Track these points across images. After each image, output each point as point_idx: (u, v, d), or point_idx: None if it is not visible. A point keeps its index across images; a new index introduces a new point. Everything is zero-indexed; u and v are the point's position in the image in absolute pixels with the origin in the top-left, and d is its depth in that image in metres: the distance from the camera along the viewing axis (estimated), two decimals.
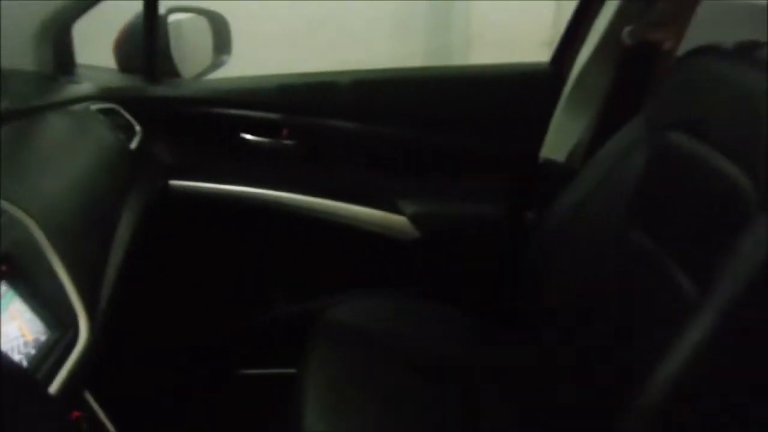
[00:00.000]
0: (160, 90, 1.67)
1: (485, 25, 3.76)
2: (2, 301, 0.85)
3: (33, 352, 0.86)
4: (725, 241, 1.01)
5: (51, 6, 1.47)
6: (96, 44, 1.75)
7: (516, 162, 1.73)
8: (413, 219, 1.70)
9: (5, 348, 0.81)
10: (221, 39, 1.78)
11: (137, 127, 1.59)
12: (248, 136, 1.70)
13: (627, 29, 1.53)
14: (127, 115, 1.59)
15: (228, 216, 1.71)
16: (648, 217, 1.31)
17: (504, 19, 3.45)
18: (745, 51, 1.20)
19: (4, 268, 0.87)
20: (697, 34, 1.49)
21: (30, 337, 0.86)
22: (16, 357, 0.83)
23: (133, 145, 1.52)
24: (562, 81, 1.67)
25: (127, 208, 1.34)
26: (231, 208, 1.70)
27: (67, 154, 1.29)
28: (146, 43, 1.63)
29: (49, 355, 0.87)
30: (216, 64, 1.79)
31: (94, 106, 1.50)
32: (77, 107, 1.47)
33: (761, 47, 1.19)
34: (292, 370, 1.36)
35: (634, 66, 1.57)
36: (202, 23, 1.76)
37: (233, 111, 1.69)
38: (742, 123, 1.11)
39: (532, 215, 1.70)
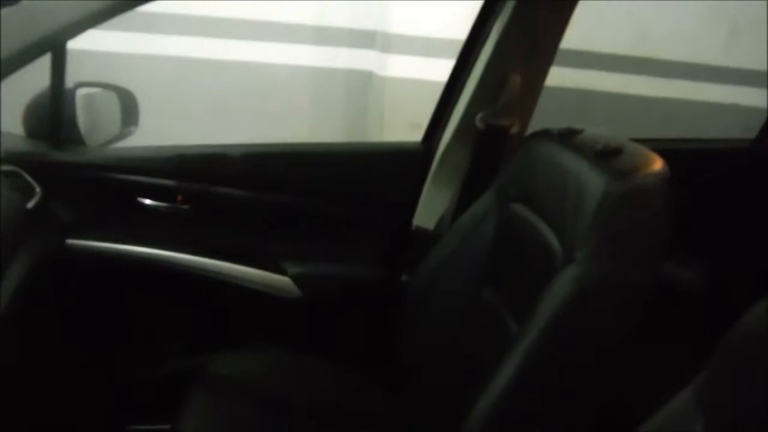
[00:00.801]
0: (63, 155, 1.76)
1: (395, 111, 4.05)
2: None
3: None
4: (540, 288, 1.22)
5: None
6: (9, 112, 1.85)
7: (391, 229, 1.91)
8: (296, 279, 1.84)
9: None
10: (128, 112, 1.91)
11: (37, 189, 1.68)
12: (145, 201, 1.81)
13: (480, 115, 1.78)
14: (28, 178, 1.68)
15: (122, 274, 1.79)
16: (495, 275, 1.52)
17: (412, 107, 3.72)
18: (567, 136, 1.45)
19: None
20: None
21: None
22: None
23: (30, 204, 1.61)
24: (431, 158, 1.89)
25: (17, 264, 1.42)
26: (126, 267, 1.79)
27: None
28: (52, 112, 1.74)
29: None
30: (122, 135, 1.91)
31: None
32: None
33: (580, 132, 1.44)
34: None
35: (488, 146, 1.80)
36: (111, 97, 1.89)
37: (131, 177, 1.80)
38: (557, 197, 1.34)
39: (405, 277, 1.87)
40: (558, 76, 4.15)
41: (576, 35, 4.50)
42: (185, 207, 1.81)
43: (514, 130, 1.79)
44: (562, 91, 4.18)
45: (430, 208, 1.89)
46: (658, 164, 1.23)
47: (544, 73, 1.79)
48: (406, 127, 3.71)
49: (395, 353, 1.70)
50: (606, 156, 1.26)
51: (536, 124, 1.63)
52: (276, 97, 4.10)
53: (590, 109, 3.95)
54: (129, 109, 1.92)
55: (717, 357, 0.74)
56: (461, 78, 1.84)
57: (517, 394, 1.20)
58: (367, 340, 1.86)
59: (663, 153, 1.27)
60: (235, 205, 1.85)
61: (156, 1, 1.38)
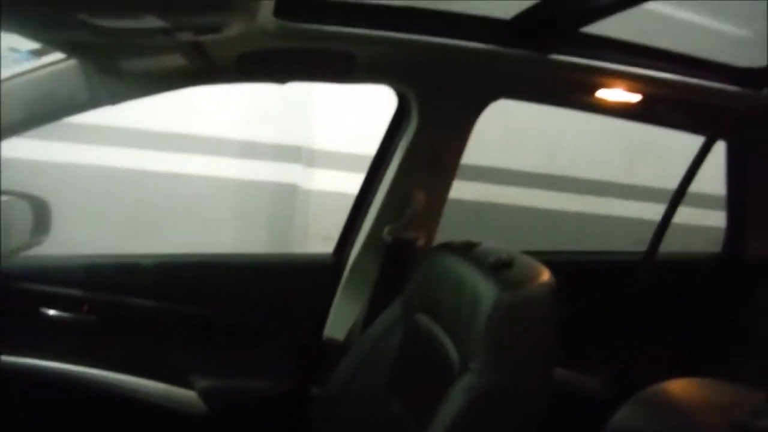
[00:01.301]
0: None
1: (318, 223, 4.12)
2: None
3: None
4: (441, 395, 1.25)
5: None
6: None
7: (302, 341, 1.91)
8: (203, 394, 1.79)
9: None
10: (40, 220, 1.88)
11: None
12: (48, 311, 1.75)
13: (387, 228, 1.85)
14: None
15: (25, 388, 1.70)
16: (402, 386, 1.53)
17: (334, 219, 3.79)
18: (466, 249, 1.52)
19: None
20: None
21: None
22: None
23: None
24: (341, 269, 1.93)
25: None
26: (23, 380, 1.71)
27: None
28: None
29: None
30: (32, 244, 1.88)
31: None
32: None
33: (477, 246, 1.52)
34: None
35: (395, 258, 1.86)
36: (23, 205, 1.86)
37: (35, 286, 1.75)
38: (455, 307, 1.39)
39: (315, 390, 1.85)
40: (475, 192, 4.36)
41: (493, 154, 4.77)
42: (91, 318, 1.76)
43: (420, 242, 1.86)
44: (479, 205, 4.39)
45: (340, 319, 1.91)
46: (545, 275, 1.30)
47: (446, 188, 1.88)
48: (320, 239, 3.78)
49: None
50: (498, 268, 1.33)
51: (454, 235, 1.70)
52: (201, 209, 4.12)
53: (506, 222, 4.13)
54: (41, 217, 1.89)
55: None
56: (370, 193, 1.92)
57: None
58: None
59: (564, 264, 1.35)
60: (144, 316, 1.81)
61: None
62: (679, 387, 0.72)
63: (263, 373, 1.87)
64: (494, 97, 1.79)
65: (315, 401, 1.78)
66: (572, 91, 1.81)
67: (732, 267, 2.28)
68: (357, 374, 1.63)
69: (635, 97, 1.80)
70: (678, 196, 2.23)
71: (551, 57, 1.64)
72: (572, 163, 4.67)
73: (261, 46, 1.47)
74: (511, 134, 4.45)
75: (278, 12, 1.28)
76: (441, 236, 1.89)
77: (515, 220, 4.16)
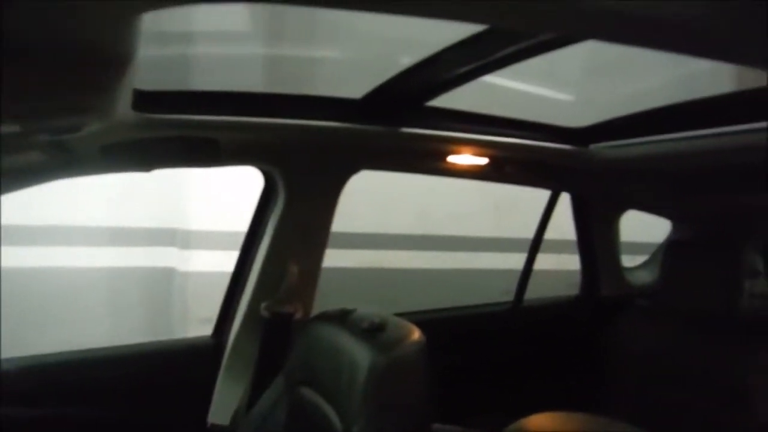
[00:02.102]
0: None
1: (198, 305, 4.02)
2: None
3: None
4: None
5: None
6: None
7: (186, 429, 1.85)
8: None
9: None
10: None
11: None
12: None
13: (263, 304, 1.86)
14: None
15: None
16: None
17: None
18: (341, 316, 1.56)
19: None
20: None
21: None
22: None
23: None
24: (222, 351, 1.91)
25: None
26: None
27: None
28: None
29: None
30: None
31: None
32: None
33: (352, 312, 1.56)
34: None
35: (275, 334, 1.87)
36: None
37: None
38: (335, 376, 1.42)
39: None
40: (353, 258, 4.44)
41: (368, 220, 4.88)
42: None
43: (298, 315, 1.88)
44: (359, 272, 4.47)
45: (224, 402, 1.87)
46: (416, 335, 1.38)
47: (319, 259, 1.93)
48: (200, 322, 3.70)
49: None
50: (372, 333, 1.39)
51: (336, 304, 1.74)
52: (73, 302, 3.91)
53: (386, 285, 4.22)
54: None
55: None
56: (245, 270, 1.93)
57: None
58: None
59: (437, 322, 1.43)
60: (13, 422, 1.69)
61: None
62: (538, 421, 0.80)
63: None
64: (354, 170, 1.88)
65: None
66: (426, 159, 1.94)
67: (589, 307, 2.48)
68: None
69: (483, 161, 1.96)
70: (535, 246, 2.42)
71: (402, 130, 1.76)
72: (443, 222, 4.89)
73: (122, 138, 1.48)
74: (383, 199, 4.62)
75: (136, 105, 1.31)
76: (324, 306, 1.93)
77: (394, 283, 4.26)
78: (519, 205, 4.30)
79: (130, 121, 1.34)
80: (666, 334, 2.10)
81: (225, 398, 1.89)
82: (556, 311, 2.52)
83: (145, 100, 1.37)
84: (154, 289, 4.29)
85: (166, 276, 4.33)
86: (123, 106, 1.19)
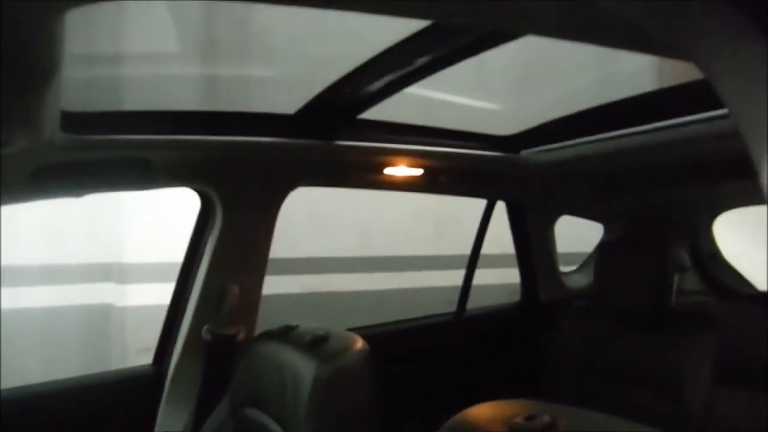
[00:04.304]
0: None
1: (140, 340, 3.91)
2: None
3: None
4: None
5: None
6: None
7: None
8: None
9: None
10: None
11: None
12: None
13: (205, 327, 1.83)
14: None
15: None
16: None
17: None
18: (284, 333, 1.55)
19: None
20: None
21: None
22: None
23: None
24: (163, 378, 1.86)
25: None
26: None
27: None
28: None
29: None
30: None
31: None
32: None
33: (295, 328, 1.56)
34: None
35: (218, 356, 1.84)
36: None
37: None
38: (279, 392, 1.41)
39: None
40: (296, 284, 4.40)
41: (309, 245, 4.86)
42: None
43: (241, 336, 1.86)
44: (302, 297, 4.44)
45: (168, 429, 1.82)
46: (359, 344, 1.38)
47: (260, 278, 1.92)
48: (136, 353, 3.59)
49: None
50: (315, 345, 1.39)
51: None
52: (5, 345, 3.74)
53: (330, 310, 4.21)
54: None
55: None
56: (184, 295, 1.90)
57: None
58: None
59: (381, 336, 1.43)
60: None
61: None
62: (479, 410, 0.82)
63: None
64: (292, 186, 1.88)
65: None
66: (362, 173, 1.96)
67: (529, 312, 2.54)
68: None
69: (418, 172, 1.99)
70: (474, 256, 2.46)
71: (336, 143, 1.78)
72: (385, 242, 4.91)
73: (52, 160, 1.45)
74: (323, 223, 4.62)
75: (65, 126, 1.28)
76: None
77: (339, 307, 4.25)
78: (458, 222, 4.39)
79: (58, 141, 1.31)
80: (601, 332, 2.16)
81: (168, 425, 1.83)
82: (497, 318, 2.57)
83: (74, 120, 1.35)
84: (91, 327, 4.15)
85: (104, 312, 4.20)
86: (51, 125, 1.17)
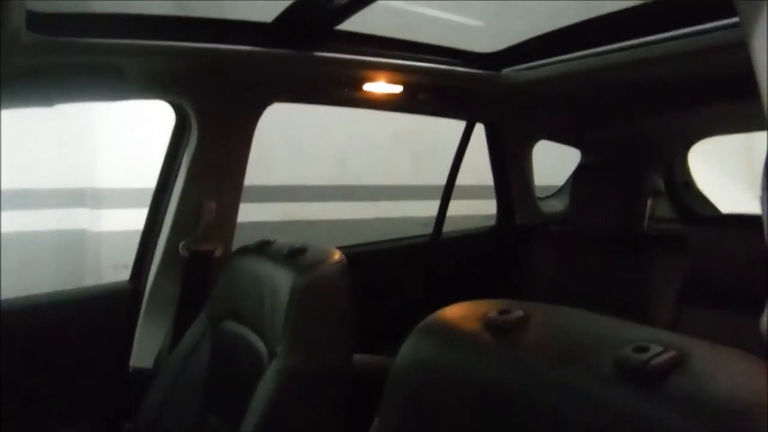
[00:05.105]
0: None
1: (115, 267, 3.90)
2: None
3: None
4: (251, 389, 1.26)
5: None
6: None
7: (108, 376, 1.80)
8: None
9: None
10: None
11: None
12: None
13: (182, 243, 1.82)
14: None
15: None
16: (218, 398, 1.52)
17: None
18: (261, 247, 1.55)
19: None
20: None
21: None
22: None
23: None
24: (140, 294, 1.86)
25: None
26: None
27: None
28: None
29: None
30: None
31: None
32: None
33: (272, 243, 1.56)
34: None
35: (195, 272, 1.84)
36: None
37: None
38: (257, 303, 1.42)
39: (129, 426, 1.75)
40: (273, 212, 4.40)
41: (286, 172, 4.82)
42: None
43: (218, 253, 1.85)
44: (279, 225, 4.44)
45: (146, 345, 1.83)
46: (336, 256, 1.39)
47: (237, 195, 1.90)
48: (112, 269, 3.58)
49: None
50: (293, 257, 1.39)
51: None
52: None
53: (308, 238, 4.23)
54: None
55: (384, 399, 0.84)
56: (160, 211, 1.87)
57: None
58: None
59: (358, 255, 1.43)
60: None
61: None
62: (453, 309, 0.82)
63: (68, 419, 1.73)
64: (269, 100, 1.85)
65: None
66: (340, 88, 1.93)
67: (505, 236, 2.57)
68: (169, 398, 1.59)
69: (397, 89, 1.96)
70: (452, 176, 2.47)
71: (313, 54, 1.74)
72: (363, 171, 4.90)
73: (19, 63, 1.39)
74: (300, 150, 4.58)
75: (31, 25, 1.23)
76: None
77: (314, 235, 4.28)
78: (436, 152, 4.38)
79: (24, 41, 1.26)
80: (574, 255, 2.20)
81: (147, 341, 1.85)
82: (473, 241, 2.60)
83: (42, 21, 1.30)
84: (65, 253, 4.12)
85: (77, 239, 4.16)
86: (15, 21, 1.12)
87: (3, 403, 1.66)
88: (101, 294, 1.92)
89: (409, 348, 0.80)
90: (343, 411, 1.32)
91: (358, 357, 1.44)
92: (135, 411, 1.66)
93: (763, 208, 0.40)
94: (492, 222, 2.69)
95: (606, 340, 0.64)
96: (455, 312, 0.82)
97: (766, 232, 0.40)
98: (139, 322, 1.85)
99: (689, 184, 2.89)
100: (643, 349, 0.58)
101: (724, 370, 0.58)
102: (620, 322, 0.69)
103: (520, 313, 0.73)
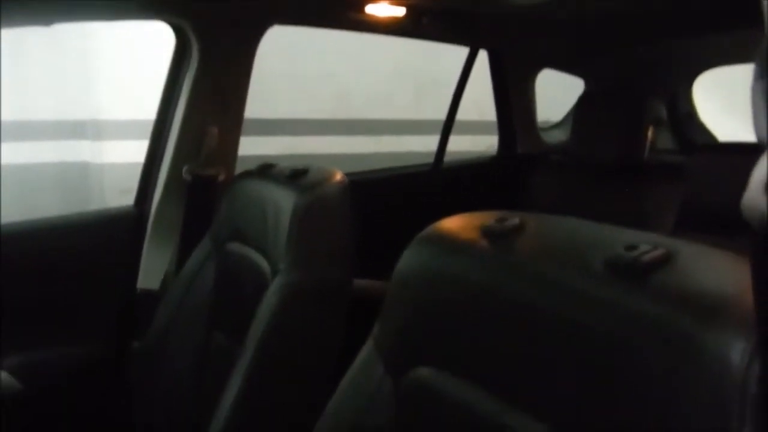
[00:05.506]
0: None
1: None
2: None
3: None
4: (254, 307, 1.30)
5: None
6: None
7: (116, 297, 1.85)
8: (13, 370, 1.67)
9: None
10: None
11: None
12: None
13: (185, 168, 1.84)
14: None
15: None
16: (222, 317, 1.56)
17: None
18: (264, 170, 1.57)
19: None
20: None
21: None
22: None
23: None
24: (145, 218, 1.89)
25: None
26: None
27: None
28: None
29: None
30: None
31: None
32: None
33: (274, 166, 1.57)
34: None
35: (198, 196, 1.86)
36: None
37: None
38: (261, 223, 1.44)
39: (137, 344, 1.80)
40: (274, 146, 4.40)
41: (287, 105, 4.79)
42: None
43: (221, 177, 1.87)
44: (279, 159, 4.44)
45: (152, 268, 1.87)
46: (338, 176, 1.41)
47: (239, 119, 1.91)
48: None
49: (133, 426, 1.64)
50: (295, 177, 1.42)
51: None
52: None
53: None
54: None
55: (384, 305, 0.87)
56: (162, 136, 1.88)
57: (246, 408, 1.25)
58: (107, 420, 1.74)
59: (359, 183, 1.45)
60: None
61: None
62: (451, 220, 0.85)
63: (79, 338, 1.79)
64: (270, 21, 1.83)
65: (137, 356, 1.75)
66: (342, 10, 1.90)
67: (506, 165, 2.58)
68: (175, 318, 1.64)
69: (400, 11, 1.94)
70: (455, 103, 2.46)
71: None
72: (364, 105, 4.86)
73: None
74: (301, 83, 4.54)
75: None
76: None
77: None
78: (438, 86, 4.34)
79: None
80: (573, 184, 2.22)
81: (153, 264, 1.88)
82: (474, 170, 2.62)
83: None
84: (67, 188, 4.13)
85: (80, 171, 4.18)
86: None
87: (13, 322, 1.72)
88: (107, 218, 1.94)
89: (409, 256, 0.83)
90: (342, 327, 1.37)
91: (357, 282, 1.47)
92: (142, 330, 1.73)
93: (755, 100, 0.40)
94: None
95: (598, 243, 0.66)
96: (454, 222, 0.84)
97: (755, 127, 0.41)
98: (145, 245, 1.89)
99: (692, 115, 2.88)
100: (633, 248, 0.60)
101: (709, 267, 0.60)
102: (613, 227, 0.71)
103: (516, 221, 0.75)
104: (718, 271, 0.59)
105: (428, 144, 4.80)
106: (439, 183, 2.48)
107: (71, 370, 1.76)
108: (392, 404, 0.78)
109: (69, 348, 1.77)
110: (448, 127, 2.48)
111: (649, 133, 2.15)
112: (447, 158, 2.51)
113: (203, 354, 1.57)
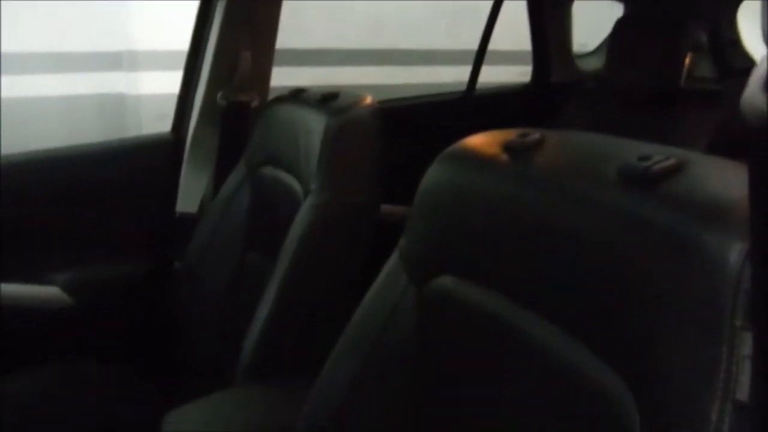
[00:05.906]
0: None
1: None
2: None
3: None
4: (288, 227, 1.35)
5: None
6: None
7: (156, 220, 1.93)
8: (65, 286, 1.77)
9: None
10: None
11: None
12: None
13: (219, 94, 1.87)
14: None
15: None
16: (257, 238, 1.63)
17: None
18: (295, 95, 1.61)
19: None
20: None
21: None
22: None
23: None
24: (182, 144, 1.94)
25: None
26: None
27: None
28: None
29: None
30: None
31: None
32: None
33: (306, 91, 1.61)
34: None
35: (233, 122, 1.90)
36: None
37: None
38: (293, 146, 1.49)
39: (178, 264, 1.89)
40: (306, 76, 4.39)
41: (318, 35, 4.75)
42: None
43: (255, 103, 1.90)
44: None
45: (189, 192, 1.93)
46: (368, 100, 1.43)
47: (271, 45, 1.92)
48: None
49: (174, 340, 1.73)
50: (326, 101, 1.45)
51: None
52: (21, 136, 3.83)
53: None
54: None
55: (409, 218, 0.91)
56: (197, 62, 1.91)
57: (279, 319, 1.33)
58: (150, 334, 1.85)
59: (389, 110, 1.47)
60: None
61: None
62: (476, 138, 0.87)
63: (124, 258, 1.88)
64: None
65: (177, 275, 1.84)
66: None
67: (540, 93, 2.56)
68: (213, 240, 1.71)
69: None
70: (489, 28, 2.43)
71: None
72: (398, 35, 4.79)
73: None
74: (333, 12, 4.48)
75: None
76: None
77: None
78: (478, 15, 4.25)
79: None
80: (606, 113, 2.20)
81: (190, 188, 1.95)
82: (507, 98, 2.60)
83: None
84: (103, 120, 4.20)
85: (116, 104, 4.23)
86: None
87: (64, 242, 1.81)
88: (146, 144, 2.01)
89: (433, 172, 0.86)
90: (369, 247, 1.42)
91: (384, 207, 1.52)
92: (182, 251, 1.81)
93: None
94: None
95: (614, 154, 0.68)
96: (478, 139, 0.87)
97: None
98: (183, 170, 1.95)
99: (736, 42, 2.79)
100: (646, 158, 0.62)
101: (719, 176, 0.62)
102: (630, 140, 0.73)
103: (536, 136, 0.78)
104: (727, 178, 0.60)
105: (462, 75, 4.76)
106: (471, 111, 2.47)
107: (118, 288, 1.86)
108: (415, 312, 0.82)
109: (115, 267, 1.87)
110: (481, 54, 2.45)
111: (687, 60, 2.11)
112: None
113: (239, 273, 1.64)
